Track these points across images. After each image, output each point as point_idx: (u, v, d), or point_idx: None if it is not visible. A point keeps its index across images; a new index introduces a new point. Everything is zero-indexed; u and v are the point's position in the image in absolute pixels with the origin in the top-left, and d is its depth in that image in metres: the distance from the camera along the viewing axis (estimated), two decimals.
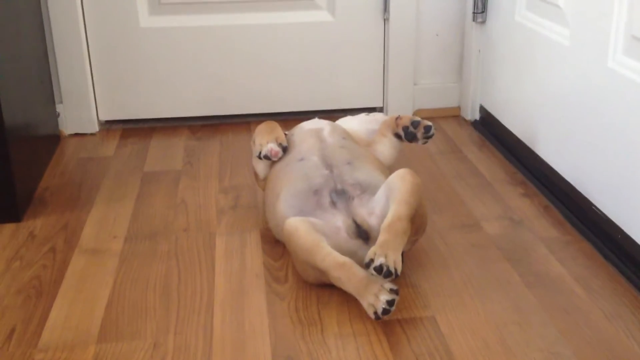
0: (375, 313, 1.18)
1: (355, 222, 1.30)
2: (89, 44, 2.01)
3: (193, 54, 2.06)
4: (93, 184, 1.75)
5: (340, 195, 1.34)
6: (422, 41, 2.11)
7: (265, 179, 1.52)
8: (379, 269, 1.18)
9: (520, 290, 1.30)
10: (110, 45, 2.02)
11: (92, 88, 2.05)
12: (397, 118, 1.55)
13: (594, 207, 1.48)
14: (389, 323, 1.20)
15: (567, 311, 1.24)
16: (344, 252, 1.26)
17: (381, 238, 1.22)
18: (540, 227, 1.52)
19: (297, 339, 1.18)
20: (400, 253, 1.21)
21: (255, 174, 1.57)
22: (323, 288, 1.29)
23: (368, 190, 1.35)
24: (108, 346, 1.16)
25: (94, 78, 2.05)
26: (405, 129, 1.52)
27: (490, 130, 2.03)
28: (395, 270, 1.18)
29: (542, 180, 1.71)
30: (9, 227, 1.54)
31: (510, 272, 1.36)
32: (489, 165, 1.84)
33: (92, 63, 2.03)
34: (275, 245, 1.46)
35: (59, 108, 2.03)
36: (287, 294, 1.30)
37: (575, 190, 1.56)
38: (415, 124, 1.51)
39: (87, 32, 2.00)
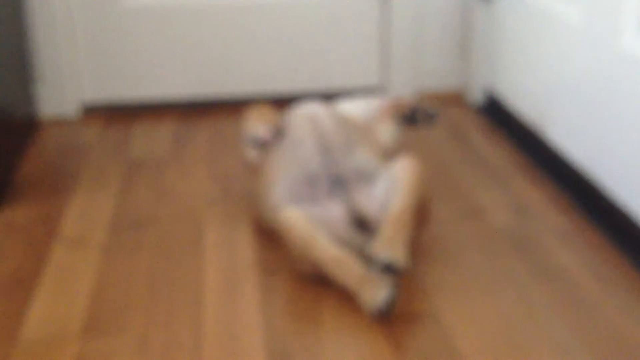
0: (373, 312, 1.19)
1: (353, 211, 1.31)
2: (71, 24, 2.00)
3: (180, 34, 2.05)
4: (75, 171, 1.75)
5: (338, 183, 1.34)
6: (425, 20, 2.11)
7: (258, 165, 1.52)
8: (383, 267, 1.18)
9: (528, 283, 1.30)
10: (93, 25, 2.02)
11: (73, 70, 2.04)
12: (398, 102, 1.55)
13: (606, 195, 1.49)
14: (389, 317, 1.20)
15: (577, 304, 1.24)
16: (341, 242, 1.26)
17: (384, 233, 1.22)
18: (549, 217, 1.52)
19: (292, 334, 1.18)
20: (405, 248, 1.22)
21: (248, 161, 1.57)
22: (319, 280, 1.30)
23: (367, 177, 1.35)
24: (92, 342, 1.16)
25: (76, 59, 2.04)
26: (407, 113, 1.52)
27: (496, 114, 2.03)
28: (400, 267, 1.19)
29: (550, 167, 1.72)
30: None
31: (518, 264, 1.36)
32: (494, 151, 1.84)
33: (74, 43, 2.02)
34: (269, 235, 1.46)
35: (37, 89, 2.02)
36: (281, 286, 1.30)
37: (586, 177, 1.56)
38: (416, 109, 1.52)
39: (70, 11, 1.99)
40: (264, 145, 1.48)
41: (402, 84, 2.14)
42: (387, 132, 1.56)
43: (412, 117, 1.52)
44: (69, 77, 2.03)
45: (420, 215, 1.31)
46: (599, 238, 1.44)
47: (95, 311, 1.24)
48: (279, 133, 1.48)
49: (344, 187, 1.33)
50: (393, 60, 2.12)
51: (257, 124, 1.49)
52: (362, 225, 1.30)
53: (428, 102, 1.56)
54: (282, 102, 2.05)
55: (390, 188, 1.30)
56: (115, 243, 1.45)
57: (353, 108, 1.65)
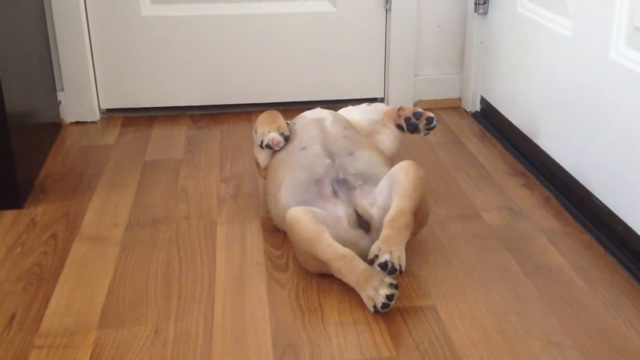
0: (375, 307, 1.18)
1: (356, 212, 1.30)
2: (90, 32, 2.01)
3: (194, 42, 2.05)
4: (94, 172, 1.75)
5: (342, 185, 1.33)
6: (424, 32, 2.11)
7: (267, 168, 1.52)
8: (384, 266, 1.18)
9: (520, 280, 1.30)
10: (111, 33, 2.02)
11: (93, 76, 2.04)
12: (399, 109, 1.54)
13: (594, 198, 1.48)
14: (389, 312, 1.20)
15: (567, 301, 1.24)
16: (344, 242, 1.25)
17: (385, 233, 1.21)
18: (540, 218, 1.52)
19: (298, 326, 1.17)
20: (404, 248, 1.21)
21: (257, 163, 1.56)
22: (324, 276, 1.29)
23: (370, 180, 1.35)
24: (109, 332, 1.16)
25: (95, 66, 2.04)
26: (407, 120, 1.52)
27: (491, 121, 2.02)
28: (400, 266, 1.18)
29: (542, 171, 1.71)
30: (10, 214, 1.54)
31: (510, 262, 1.35)
32: (489, 156, 1.84)
33: (93, 51, 2.02)
34: (276, 233, 1.46)
35: (60, 96, 2.03)
36: (287, 282, 1.30)
37: (575, 181, 1.55)
38: (417, 115, 1.51)
39: (89, 20, 1.99)
40: (273, 149, 1.47)
41: (401, 94, 2.13)
42: (389, 137, 1.55)
43: (412, 123, 1.51)
44: (89, 85, 2.03)
45: (419, 216, 1.30)
46: (587, 239, 1.44)
47: (112, 303, 1.24)
48: (287, 137, 1.47)
49: (348, 190, 1.33)
50: (392, 70, 2.12)
51: (267, 128, 1.48)
52: (365, 226, 1.29)
53: (426, 109, 1.55)
54: (289, 109, 2.05)
55: (391, 190, 1.30)
56: (132, 239, 1.44)
57: (357, 113, 1.65)
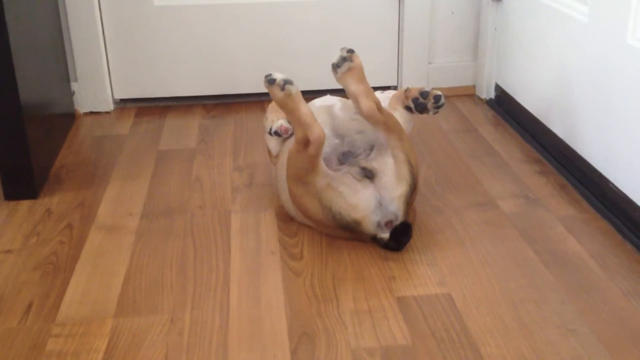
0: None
1: (359, 167, 1.34)
2: (103, 22, 2.01)
3: (207, 32, 2.05)
4: (108, 161, 1.75)
5: (347, 156, 1.38)
6: (437, 19, 2.09)
7: (278, 155, 1.51)
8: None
9: (536, 268, 1.29)
10: (124, 23, 2.02)
11: (106, 67, 2.04)
12: (406, 90, 1.53)
13: (611, 185, 1.47)
14: (405, 299, 1.20)
15: (584, 289, 1.23)
16: (353, 192, 1.31)
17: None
18: (556, 206, 1.50)
19: (313, 315, 1.17)
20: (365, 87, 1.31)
21: (269, 151, 1.56)
22: (339, 264, 1.29)
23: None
24: (125, 321, 1.17)
25: (109, 57, 2.04)
26: (415, 100, 1.50)
27: (506, 108, 2.01)
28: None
29: (558, 158, 1.70)
30: (25, 204, 1.55)
31: (527, 250, 1.34)
32: (504, 143, 1.82)
33: (106, 42, 2.03)
34: (290, 222, 1.45)
35: (74, 86, 2.03)
36: (302, 270, 1.30)
37: (592, 168, 1.54)
38: (424, 95, 1.49)
39: (102, 10, 2.00)
40: (281, 136, 1.47)
41: (414, 81, 2.12)
42: (398, 118, 1.54)
43: (420, 103, 1.50)
44: (102, 75, 2.04)
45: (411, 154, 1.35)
46: (604, 226, 1.43)
47: (128, 292, 1.24)
48: None
49: (352, 157, 1.38)
50: (405, 58, 2.10)
51: (276, 115, 1.48)
52: (370, 175, 1.33)
53: (435, 89, 1.53)
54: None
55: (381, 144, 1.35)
56: (147, 228, 1.45)
57: None
